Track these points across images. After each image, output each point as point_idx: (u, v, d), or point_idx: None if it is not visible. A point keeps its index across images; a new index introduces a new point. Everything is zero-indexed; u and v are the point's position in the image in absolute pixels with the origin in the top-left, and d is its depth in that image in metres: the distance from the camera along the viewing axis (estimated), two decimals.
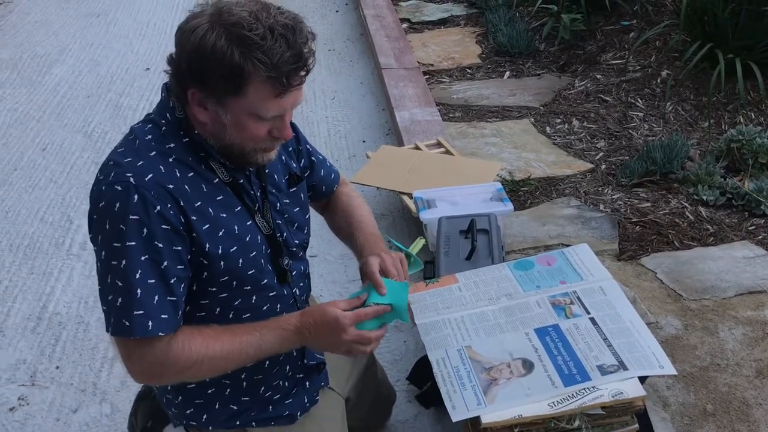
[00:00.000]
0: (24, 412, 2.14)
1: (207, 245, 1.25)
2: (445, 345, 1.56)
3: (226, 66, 1.14)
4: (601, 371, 1.42)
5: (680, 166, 3.05)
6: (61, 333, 2.44)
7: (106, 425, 2.08)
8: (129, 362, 1.24)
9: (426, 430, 2.00)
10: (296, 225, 1.43)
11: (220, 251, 1.26)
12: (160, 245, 1.19)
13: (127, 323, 1.19)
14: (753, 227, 2.72)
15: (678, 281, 2.43)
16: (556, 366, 1.45)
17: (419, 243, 1.46)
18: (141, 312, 1.19)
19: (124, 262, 1.18)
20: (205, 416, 1.42)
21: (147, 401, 1.62)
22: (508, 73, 4.20)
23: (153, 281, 1.20)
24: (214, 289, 1.30)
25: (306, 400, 1.50)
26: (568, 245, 2.79)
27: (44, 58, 4.65)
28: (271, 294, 1.37)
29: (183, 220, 1.22)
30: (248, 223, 1.32)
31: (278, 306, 1.39)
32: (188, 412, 1.43)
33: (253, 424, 1.45)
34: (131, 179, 1.19)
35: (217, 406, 1.42)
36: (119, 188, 1.19)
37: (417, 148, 2.99)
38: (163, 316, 1.21)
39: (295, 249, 1.43)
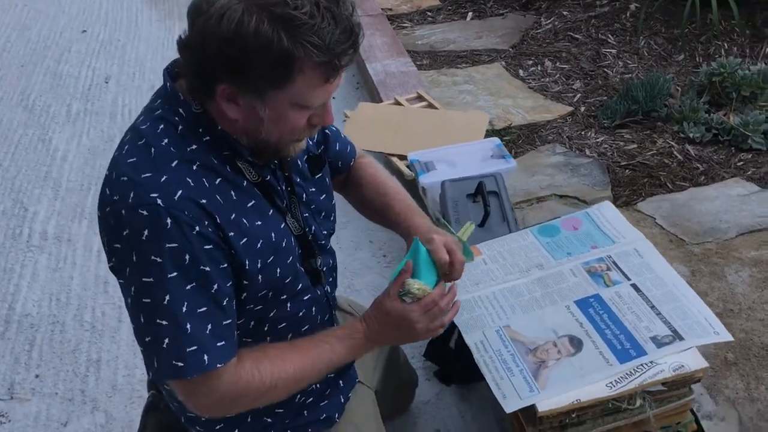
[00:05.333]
0: (7, 430, 1.95)
1: (246, 262, 1.09)
2: (481, 326, 1.45)
3: (273, 54, 0.96)
4: (656, 343, 1.33)
5: (663, 104, 2.98)
6: (35, 336, 2.23)
7: None
8: (194, 399, 1.10)
9: (450, 409, 1.91)
10: (323, 214, 1.29)
11: (259, 265, 1.11)
12: (207, 269, 1.03)
13: (180, 363, 1.03)
14: (741, 162, 2.69)
15: (678, 225, 2.38)
16: (606, 341, 1.36)
17: (469, 228, 1.32)
18: (194, 348, 1.03)
19: (167, 297, 1.02)
20: (236, 431, 1.30)
21: (157, 413, 1.47)
22: (470, 14, 4.03)
23: (204, 309, 1.04)
24: (250, 305, 1.15)
25: (342, 399, 1.39)
26: (561, 196, 2.74)
27: None
28: (305, 297, 1.24)
29: (222, 235, 1.06)
30: (282, 226, 1.17)
31: (313, 309, 1.26)
32: (217, 428, 1.29)
33: (289, 431, 1.33)
34: (158, 201, 1.00)
35: (249, 420, 1.29)
36: (145, 213, 1.00)
37: (397, 103, 2.82)
38: (219, 344, 1.05)
39: (323, 242, 1.29)
